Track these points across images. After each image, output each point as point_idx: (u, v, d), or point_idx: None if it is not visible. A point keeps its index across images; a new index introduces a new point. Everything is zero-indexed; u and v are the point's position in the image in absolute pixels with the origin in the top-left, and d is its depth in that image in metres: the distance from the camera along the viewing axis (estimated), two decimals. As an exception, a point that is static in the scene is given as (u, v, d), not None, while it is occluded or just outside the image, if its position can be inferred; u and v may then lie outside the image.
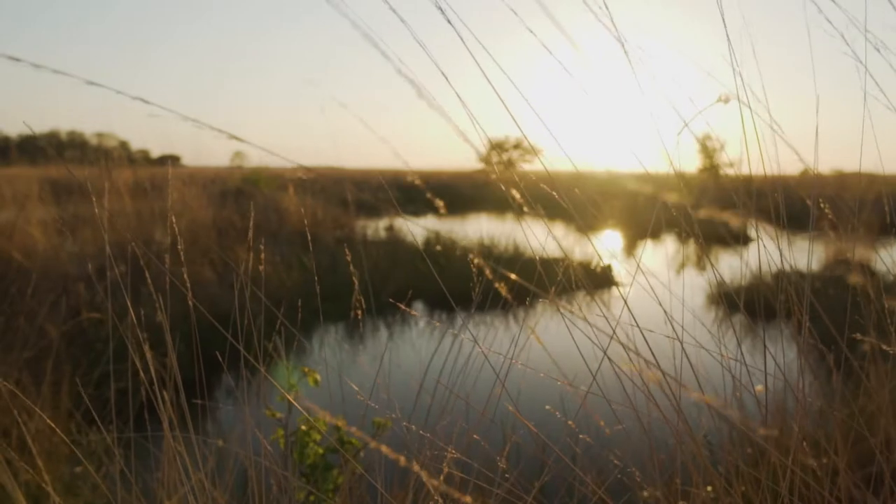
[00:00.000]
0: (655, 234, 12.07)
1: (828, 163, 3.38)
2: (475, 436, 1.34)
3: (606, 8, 1.39)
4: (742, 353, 1.51)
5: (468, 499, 0.76)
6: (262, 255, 1.53)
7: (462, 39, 1.17)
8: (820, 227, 1.87)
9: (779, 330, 1.55)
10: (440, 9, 1.21)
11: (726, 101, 1.47)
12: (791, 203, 1.63)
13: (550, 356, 1.27)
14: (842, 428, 1.53)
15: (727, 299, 2.73)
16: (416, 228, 10.93)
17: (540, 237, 1.32)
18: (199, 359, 1.52)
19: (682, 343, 1.34)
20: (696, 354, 1.48)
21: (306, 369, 2.04)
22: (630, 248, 11.13)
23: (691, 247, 8.16)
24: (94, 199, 1.50)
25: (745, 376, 1.48)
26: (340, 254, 7.11)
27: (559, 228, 1.29)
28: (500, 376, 1.16)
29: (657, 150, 1.45)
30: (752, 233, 1.56)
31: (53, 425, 1.29)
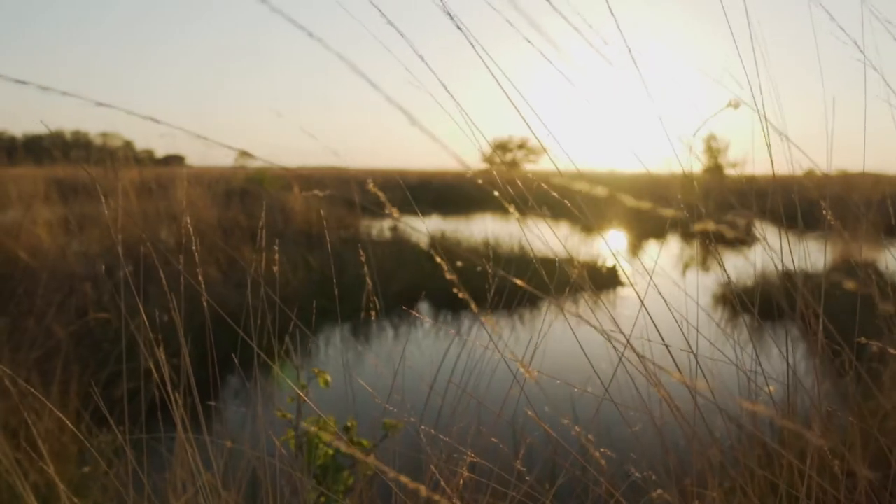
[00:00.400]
0: (660, 235, 12.06)
1: (832, 163, 3.36)
2: (493, 439, 1.34)
3: (611, 12, 1.38)
4: (757, 356, 1.50)
5: (484, 501, 0.76)
6: (276, 256, 1.52)
7: (472, 45, 1.16)
8: (828, 227, 1.87)
9: (785, 330, 1.54)
10: (449, 14, 1.20)
11: (736, 106, 1.46)
12: (796, 203, 1.63)
13: (564, 363, 1.26)
14: (858, 431, 1.53)
15: (736, 300, 2.72)
16: (419, 229, 10.93)
17: (546, 237, 1.32)
18: (213, 359, 1.52)
19: (696, 356, 1.33)
20: (708, 355, 1.47)
21: (317, 370, 2.04)
22: (635, 249, 11.11)
23: (697, 247, 8.15)
24: (104, 199, 1.50)
25: (759, 378, 1.47)
26: (346, 254, 7.11)
27: (563, 228, 1.28)
28: (516, 378, 1.15)
29: (662, 152, 1.44)
30: (756, 233, 1.55)
31: (63, 425, 1.29)
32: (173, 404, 1.42)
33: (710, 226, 1.12)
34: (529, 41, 1.29)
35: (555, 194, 1.31)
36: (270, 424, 1.78)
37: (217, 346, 1.74)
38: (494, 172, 1.28)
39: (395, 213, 1.02)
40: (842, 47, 1.58)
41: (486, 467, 1.28)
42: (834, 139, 1.71)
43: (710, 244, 1.48)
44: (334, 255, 7.30)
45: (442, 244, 7.99)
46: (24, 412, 1.88)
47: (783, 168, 1.51)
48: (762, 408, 0.65)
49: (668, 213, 1.49)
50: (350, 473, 1.98)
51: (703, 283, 6.98)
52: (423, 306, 7.15)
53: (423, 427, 1.32)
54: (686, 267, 8.31)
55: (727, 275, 1.64)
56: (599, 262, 8.38)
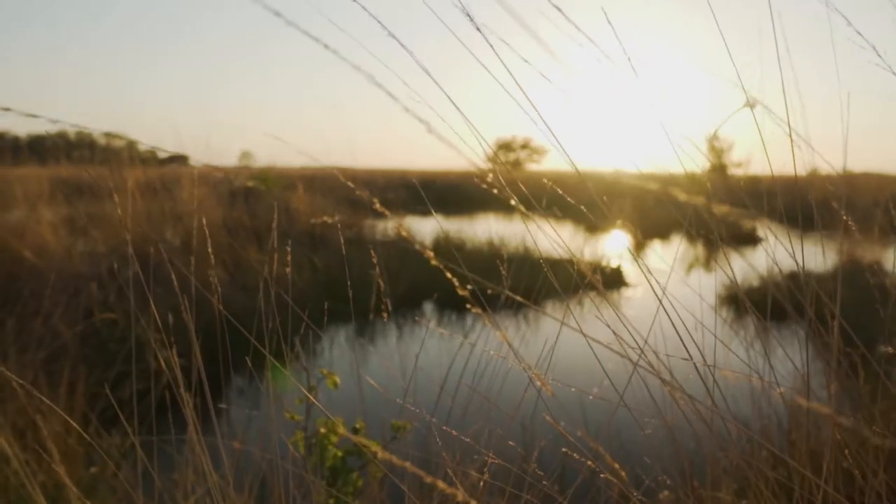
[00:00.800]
0: (665, 234, 12.04)
1: (836, 163, 3.34)
2: (511, 442, 1.33)
3: (608, 20, 1.37)
4: (767, 358, 1.49)
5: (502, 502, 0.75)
6: (289, 258, 1.52)
7: (493, 48, 1.15)
8: (835, 227, 1.86)
9: (792, 331, 1.54)
10: (469, 17, 1.19)
11: (752, 106, 1.45)
12: (810, 204, 1.62)
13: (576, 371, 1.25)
14: (876, 442, 1.51)
15: (748, 303, 2.71)
16: (424, 228, 10.92)
17: (553, 238, 1.31)
18: (226, 360, 1.51)
19: (709, 368, 1.32)
20: (719, 358, 1.46)
21: (325, 371, 2.03)
22: (640, 248, 11.09)
23: (706, 247, 8.12)
24: (115, 198, 1.49)
25: (768, 383, 1.46)
26: (351, 254, 7.10)
27: (568, 228, 1.27)
28: (532, 383, 1.14)
29: (667, 152, 1.44)
30: (762, 233, 1.54)
31: (69, 427, 1.29)
32: (184, 405, 1.42)
33: (724, 212, 1.11)
34: (526, 60, 1.28)
35: (568, 197, 1.30)
36: (279, 426, 1.77)
37: (222, 347, 1.73)
38: (500, 173, 1.27)
39: (400, 225, 1.02)
40: (847, 47, 1.57)
41: (498, 469, 1.28)
42: (837, 140, 1.70)
43: (719, 244, 1.47)
44: (340, 255, 7.30)
45: (446, 247, 7.98)
46: (31, 413, 1.87)
47: (788, 168, 1.50)
48: (819, 406, 0.65)
49: (678, 208, 1.48)
50: (359, 475, 1.98)
51: (710, 284, 6.96)
52: (428, 306, 7.15)
53: (435, 423, 1.32)
54: (691, 267, 8.30)
55: (732, 275, 1.63)
56: (605, 263, 8.37)
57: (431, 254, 0.76)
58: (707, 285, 6.50)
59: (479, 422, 1.48)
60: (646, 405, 1.37)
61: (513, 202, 1.08)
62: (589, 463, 1.23)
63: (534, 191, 1.25)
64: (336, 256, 7.42)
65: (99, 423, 2.85)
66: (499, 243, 9.06)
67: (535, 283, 2.04)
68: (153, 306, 1.42)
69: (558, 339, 1.29)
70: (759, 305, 1.67)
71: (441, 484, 0.70)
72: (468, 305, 0.90)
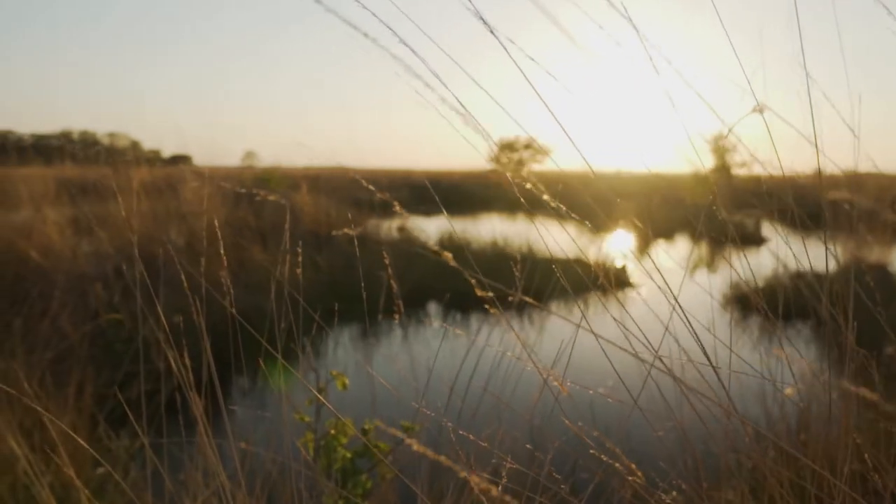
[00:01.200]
0: (670, 235, 12.02)
1: (841, 163, 3.33)
2: (528, 445, 1.32)
3: (628, 15, 1.36)
4: (785, 362, 1.48)
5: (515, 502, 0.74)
6: (300, 258, 1.51)
7: (506, 49, 1.14)
8: (849, 228, 1.85)
9: (796, 331, 1.53)
10: (482, 20, 1.18)
11: (761, 110, 1.44)
12: (804, 203, 1.61)
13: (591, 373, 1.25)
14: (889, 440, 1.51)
15: (762, 303, 2.70)
16: (428, 228, 10.92)
17: (562, 239, 1.30)
18: (239, 360, 1.51)
19: (721, 368, 1.31)
20: (730, 358, 1.45)
21: (334, 372, 2.03)
22: (646, 248, 11.06)
23: (713, 248, 8.10)
24: (120, 199, 1.49)
25: (777, 384, 1.45)
26: (355, 254, 7.10)
27: (572, 228, 1.26)
28: (547, 384, 1.14)
29: (674, 152, 1.43)
30: (766, 233, 1.54)
31: (76, 429, 1.29)
32: (194, 406, 1.41)
33: (739, 218, 1.11)
34: (533, 59, 1.27)
35: (587, 197, 1.29)
36: (289, 427, 1.77)
37: (226, 348, 1.73)
38: (508, 173, 1.27)
39: (412, 227, 1.01)
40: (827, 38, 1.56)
41: (512, 471, 1.27)
42: (840, 140, 1.69)
43: (728, 244, 1.47)
44: (344, 256, 7.30)
45: (459, 249, 7.98)
46: (40, 413, 1.87)
47: (790, 168, 1.49)
48: (867, 392, 0.64)
49: (687, 210, 1.47)
50: (368, 477, 1.97)
51: (718, 284, 6.94)
52: (433, 306, 7.15)
53: (448, 424, 1.31)
54: (696, 267, 8.27)
55: (742, 275, 1.62)
56: (611, 263, 8.36)
57: (450, 255, 0.76)
58: (715, 285, 6.48)
59: (492, 423, 1.47)
60: (658, 405, 1.36)
61: (547, 201, 1.07)
62: (615, 464, 1.22)
63: (553, 191, 1.25)
64: (340, 257, 7.42)
65: (107, 424, 2.85)
66: (503, 243, 9.05)
67: (544, 284, 2.03)
68: (159, 307, 1.41)
69: (572, 341, 1.28)
70: (770, 305, 1.66)
71: (475, 478, 0.69)
72: (486, 306, 0.90)
